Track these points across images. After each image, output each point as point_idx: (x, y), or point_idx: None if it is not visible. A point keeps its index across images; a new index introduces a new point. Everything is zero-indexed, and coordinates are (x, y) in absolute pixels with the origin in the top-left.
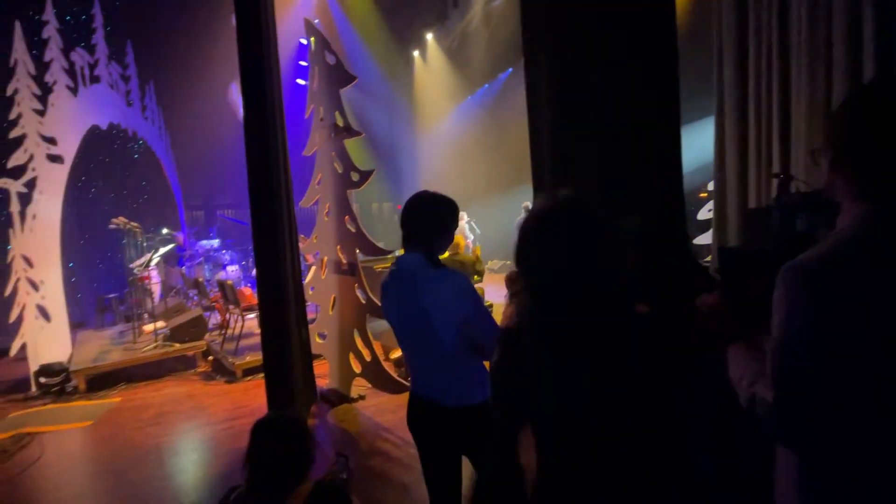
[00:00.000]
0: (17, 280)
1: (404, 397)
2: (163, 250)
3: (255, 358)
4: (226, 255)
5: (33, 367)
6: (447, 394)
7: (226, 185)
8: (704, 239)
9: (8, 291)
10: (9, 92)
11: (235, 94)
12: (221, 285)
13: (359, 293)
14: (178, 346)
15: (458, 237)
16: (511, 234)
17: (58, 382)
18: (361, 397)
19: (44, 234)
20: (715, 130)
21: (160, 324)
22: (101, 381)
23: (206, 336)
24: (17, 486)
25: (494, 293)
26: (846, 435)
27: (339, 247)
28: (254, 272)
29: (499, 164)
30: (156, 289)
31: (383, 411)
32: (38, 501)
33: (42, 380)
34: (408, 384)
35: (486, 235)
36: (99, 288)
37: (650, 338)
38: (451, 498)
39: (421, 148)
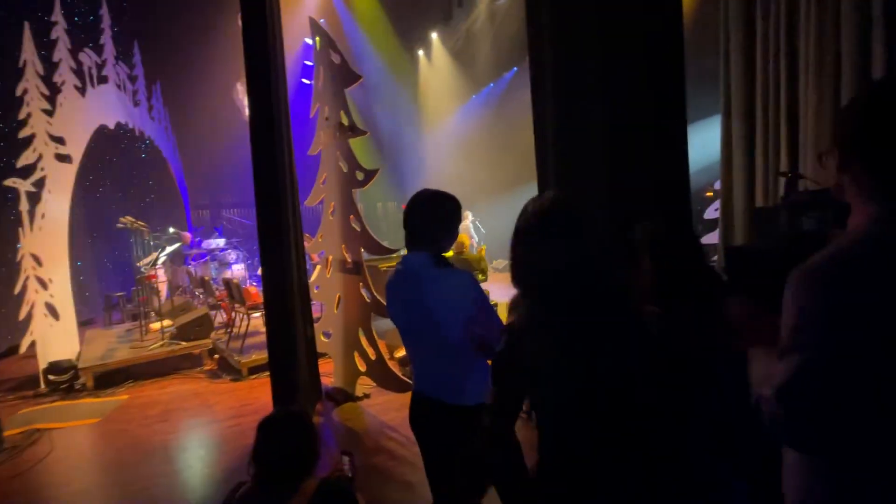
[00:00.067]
0: (27, 278)
1: (409, 396)
2: (169, 249)
3: (261, 356)
4: (231, 254)
5: (42, 364)
6: (452, 393)
7: (231, 185)
8: (711, 238)
9: (17, 289)
10: (18, 92)
11: (241, 94)
12: (227, 284)
13: (363, 292)
14: (184, 344)
15: (462, 236)
16: (514, 231)
17: (66, 380)
18: (366, 396)
19: (52, 232)
20: (721, 129)
21: (167, 322)
22: (109, 378)
23: (212, 334)
24: (28, 480)
25: (499, 292)
26: (861, 438)
27: (343, 246)
28: (259, 271)
29: (504, 163)
30: (162, 287)
31: (388, 410)
32: (48, 496)
33: (51, 377)
34: (412, 383)
35: (490, 235)
36: (106, 286)
37: (649, 338)
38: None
39: (426, 147)
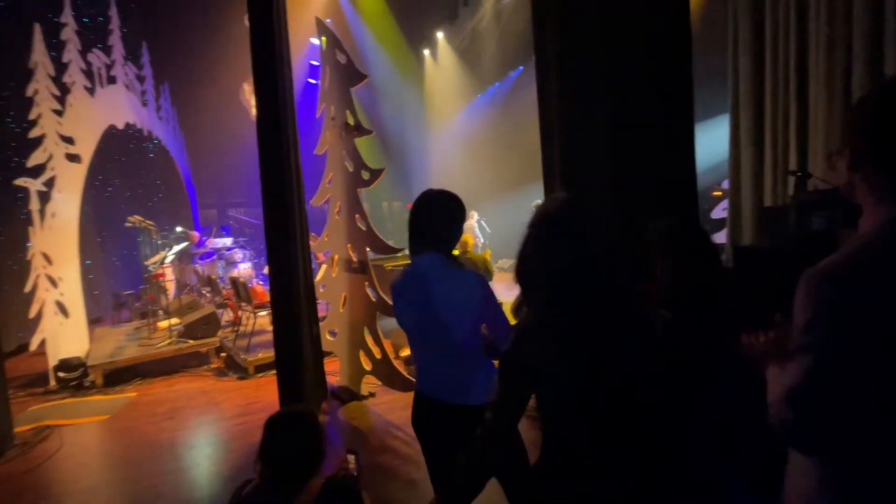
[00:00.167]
0: (37, 277)
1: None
2: (177, 248)
3: (267, 355)
4: (238, 253)
5: (52, 361)
6: (460, 393)
7: (238, 184)
8: (719, 238)
9: (28, 288)
10: (29, 93)
11: (248, 94)
12: (234, 283)
13: (369, 291)
14: (191, 342)
15: (466, 235)
16: (522, 233)
17: (76, 377)
18: (371, 394)
19: (62, 231)
20: (730, 127)
21: (174, 320)
22: (118, 376)
23: (219, 333)
24: (38, 476)
25: (504, 292)
26: (872, 441)
27: (349, 245)
28: (266, 270)
29: (509, 162)
30: (170, 286)
31: (393, 409)
32: (58, 491)
33: (61, 374)
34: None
35: (496, 234)
36: (115, 285)
37: (651, 338)
38: None
39: (431, 146)
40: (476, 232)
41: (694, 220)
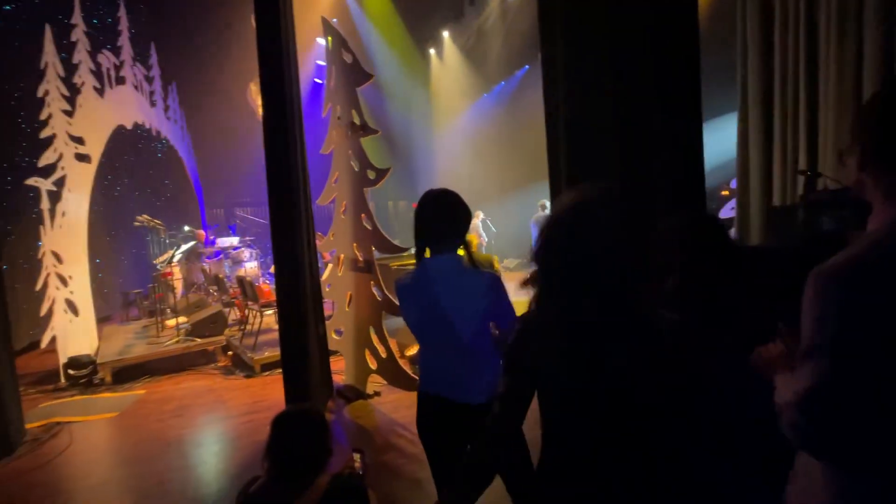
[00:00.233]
0: (48, 275)
1: None
2: (184, 247)
3: (274, 354)
4: (245, 252)
5: (62, 359)
6: (475, 392)
7: (245, 184)
8: None
9: (39, 286)
10: (40, 93)
11: (254, 94)
12: (241, 282)
13: (375, 290)
14: (199, 340)
15: (471, 235)
16: (527, 232)
17: (85, 374)
18: (377, 394)
19: (72, 230)
20: (738, 126)
21: (182, 319)
22: (126, 373)
23: (226, 331)
24: (49, 472)
25: (510, 291)
26: (883, 443)
27: (355, 244)
28: (272, 269)
29: (515, 161)
30: (178, 285)
31: (398, 408)
32: (68, 487)
33: (70, 371)
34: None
35: (501, 233)
36: (124, 283)
37: (653, 338)
38: None
39: (437, 146)
40: (480, 231)
41: (708, 216)
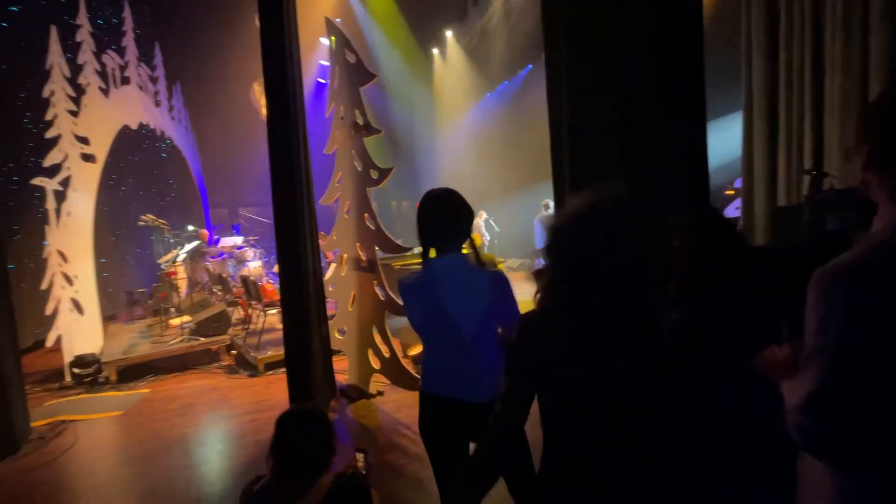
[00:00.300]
0: (53, 274)
1: None
2: (188, 247)
3: (277, 353)
4: (248, 252)
5: (68, 358)
6: (480, 392)
7: (249, 183)
8: None
9: (44, 285)
10: (45, 94)
11: (258, 94)
12: (244, 281)
13: (378, 290)
14: (202, 339)
15: (473, 234)
16: (530, 232)
17: (90, 373)
18: (380, 393)
19: (77, 230)
20: (743, 125)
21: (186, 318)
22: (131, 372)
23: (230, 331)
24: (54, 470)
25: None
26: (888, 444)
27: (358, 244)
28: (276, 268)
29: (518, 161)
30: (182, 284)
31: (401, 407)
32: (73, 485)
33: (76, 370)
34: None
35: (504, 233)
36: (128, 282)
37: (655, 338)
38: None
39: (440, 145)
40: (483, 231)
41: (714, 214)
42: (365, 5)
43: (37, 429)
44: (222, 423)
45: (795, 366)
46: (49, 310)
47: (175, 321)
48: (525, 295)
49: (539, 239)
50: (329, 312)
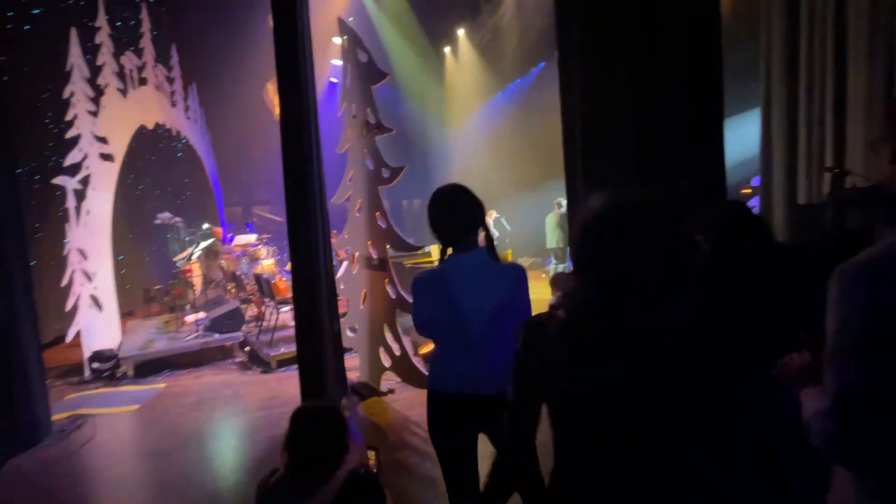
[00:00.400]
0: (73, 271)
1: None
2: (203, 244)
3: (290, 350)
4: (262, 250)
5: (87, 353)
6: (491, 384)
7: (262, 182)
8: None
9: (64, 282)
10: (65, 95)
11: (271, 94)
12: (258, 279)
13: (389, 288)
14: (217, 336)
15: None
16: (542, 231)
17: (109, 368)
18: (391, 391)
19: (97, 228)
20: (761, 122)
21: (201, 315)
22: (148, 367)
23: (243, 328)
24: (74, 462)
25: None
26: None
27: (369, 242)
28: (288, 266)
29: (530, 160)
30: (197, 281)
31: (412, 405)
32: (91, 478)
33: (95, 365)
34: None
35: (516, 232)
36: (145, 279)
37: (668, 345)
38: (472, 486)
39: (451, 144)
40: (492, 229)
41: (739, 208)
42: (377, 4)
43: (57, 422)
44: (236, 419)
45: (814, 373)
46: (69, 306)
47: (190, 318)
48: (536, 293)
49: (551, 238)
50: (341, 310)
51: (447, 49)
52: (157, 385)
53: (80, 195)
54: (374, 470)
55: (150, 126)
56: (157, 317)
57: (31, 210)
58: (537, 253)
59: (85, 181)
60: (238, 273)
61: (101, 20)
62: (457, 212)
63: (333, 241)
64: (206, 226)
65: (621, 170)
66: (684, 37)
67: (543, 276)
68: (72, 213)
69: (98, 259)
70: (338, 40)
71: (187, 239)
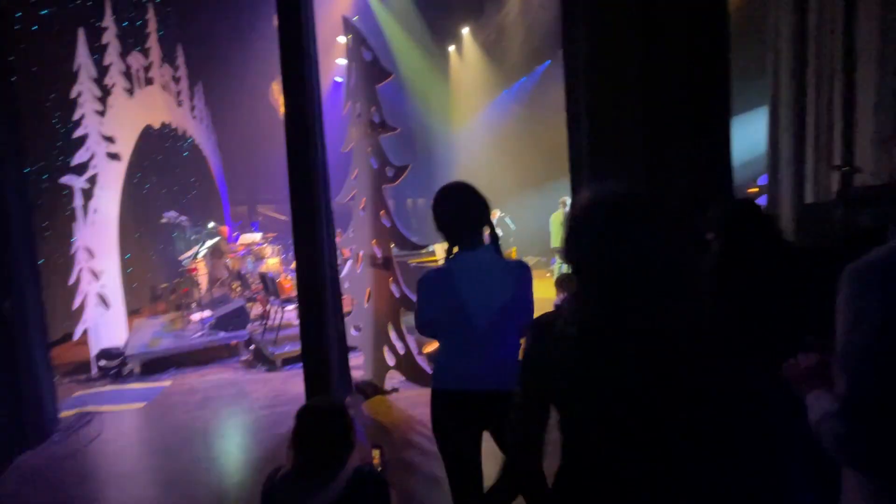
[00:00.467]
0: (80, 270)
1: None
2: (209, 243)
3: (294, 349)
4: (267, 249)
5: (94, 350)
6: (496, 381)
7: (267, 181)
8: None
9: (72, 280)
10: (73, 95)
11: (276, 94)
12: (263, 277)
13: (393, 287)
14: (222, 334)
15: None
16: (547, 230)
17: (116, 365)
18: (395, 390)
19: (104, 227)
20: (769, 120)
21: (206, 313)
22: (154, 365)
23: (249, 326)
24: (81, 459)
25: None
26: None
27: (374, 241)
28: (293, 265)
29: (534, 158)
30: (203, 280)
31: (416, 404)
32: (98, 475)
33: (102, 363)
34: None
35: (521, 231)
36: (152, 278)
37: (676, 348)
38: (476, 485)
39: (456, 143)
40: (497, 229)
41: (749, 207)
42: (382, 4)
43: (65, 419)
44: (241, 417)
45: (822, 375)
46: (76, 304)
47: (196, 316)
48: (540, 292)
49: (555, 237)
50: (345, 309)
51: (452, 48)
52: (164, 383)
53: (88, 194)
54: (379, 468)
55: (157, 125)
56: (164, 315)
57: (38, 209)
58: (542, 252)
59: (92, 180)
60: (243, 272)
61: (108, 20)
62: (463, 210)
63: (338, 239)
64: (211, 224)
65: (627, 169)
66: (691, 34)
67: (548, 275)
68: (79, 211)
69: (105, 257)
70: (342, 39)
71: (193, 238)
